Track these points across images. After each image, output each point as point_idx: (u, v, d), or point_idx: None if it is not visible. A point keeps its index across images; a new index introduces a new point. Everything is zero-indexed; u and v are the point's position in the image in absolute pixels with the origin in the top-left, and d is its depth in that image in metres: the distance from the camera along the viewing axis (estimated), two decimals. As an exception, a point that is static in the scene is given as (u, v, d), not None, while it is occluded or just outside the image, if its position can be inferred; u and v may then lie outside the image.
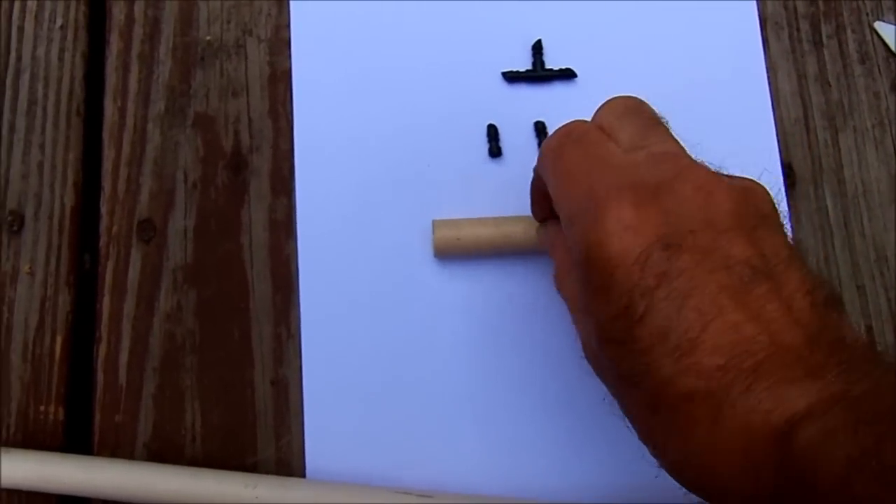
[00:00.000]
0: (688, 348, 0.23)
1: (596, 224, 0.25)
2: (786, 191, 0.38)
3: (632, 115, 0.29)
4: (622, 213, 0.25)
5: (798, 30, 0.40)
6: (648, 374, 0.24)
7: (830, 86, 0.39)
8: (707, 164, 0.27)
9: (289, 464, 0.35)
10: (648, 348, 0.24)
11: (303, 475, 0.35)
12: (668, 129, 0.29)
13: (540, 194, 0.32)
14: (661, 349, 0.23)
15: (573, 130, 0.29)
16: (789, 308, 0.23)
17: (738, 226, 0.25)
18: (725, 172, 0.27)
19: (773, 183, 0.37)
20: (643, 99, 0.30)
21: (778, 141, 0.39)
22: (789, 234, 0.26)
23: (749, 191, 0.26)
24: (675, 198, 0.25)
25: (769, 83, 0.39)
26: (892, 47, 0.40)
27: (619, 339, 0.24)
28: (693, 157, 0.27)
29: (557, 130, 0.30)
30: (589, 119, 0.30)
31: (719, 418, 0.23)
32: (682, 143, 0.29)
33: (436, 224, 0.36)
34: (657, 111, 0.30)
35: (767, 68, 0.39)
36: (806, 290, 0.24)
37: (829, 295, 0.24)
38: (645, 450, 0.25)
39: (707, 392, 0.23)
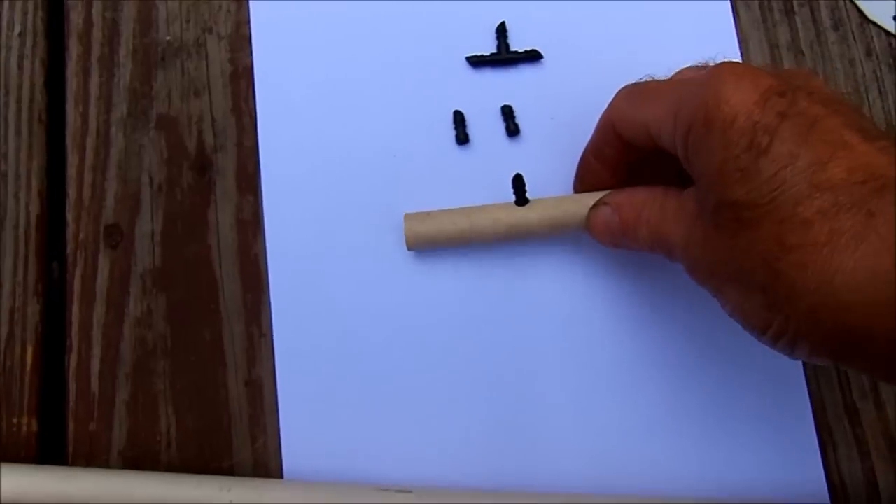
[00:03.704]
0: (819, 167, 0.23)
1: (713, 85, 0.26)
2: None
3: None
4: (736, 69, 0.26)
5: (768, -2, 0.39)
6: (778, 200, 0.24)
7: (804, 54, 0.38)
8: None
9: (265, 465, 0.35)
10: (776, 173, 0.24)
11: (280, 476, 0.34)
12: None
13: (602, 157, 0.33)
14: (791, 170, 0.24)
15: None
16: None
17: (841, 97, 0.26)
18: None
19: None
20: None
21: (752, 113, 0.38)
22: None
23: None
24: (779, 70, 0.27)
25: (741, 54, 0.38)
26: (866, 13, 0.39)
27: (744, 176, 0.24)
28: None
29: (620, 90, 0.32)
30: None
31: (867, 230, 0.22)
32: None
33: (406, 217, 0.35)
34: None
35: (739, 39, 0.39)
36: None
37: None
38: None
39: (850, 204, 0.23)
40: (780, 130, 0.24)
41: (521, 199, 0.34)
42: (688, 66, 0.32)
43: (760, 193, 0.24)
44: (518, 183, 0.33)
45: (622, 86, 0.32)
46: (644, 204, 0.31)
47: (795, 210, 0.23)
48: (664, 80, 0.31)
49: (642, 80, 0.32)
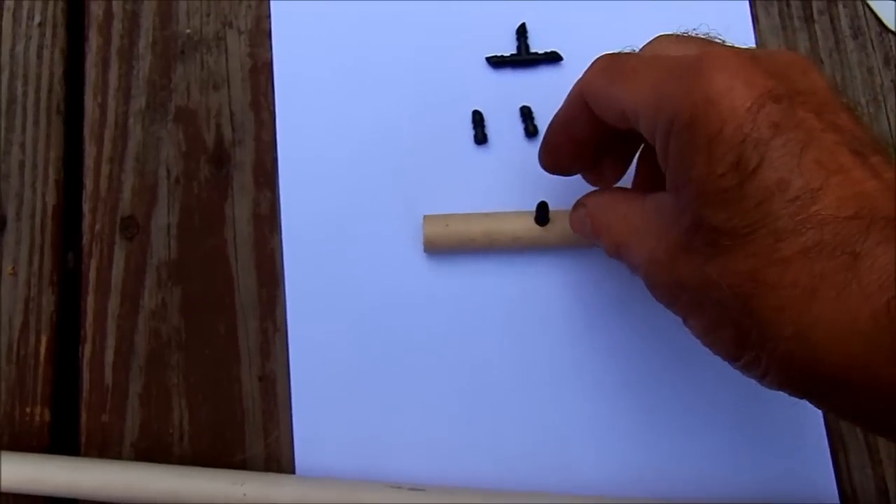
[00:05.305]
0: (809, 199, 0.21)
1: (701, 80, 0.23)
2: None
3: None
4: (729, 63, 0.23)
5: (788, 5, 0.39)
6: (758, 232, 0.22)
7: (822, 62, 0.39)
8: None
9: (278, 460, 0.35)
10: (761, 202, 0.22)
11: (292, 471, 0.34)
12: None
13: (571, 130, 0.30)
14: (778, 201, 0.21)
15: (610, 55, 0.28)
16: None
17: (836, 99, 0.24)
18: None
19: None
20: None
21: (770, 120, 0.38)
22: None
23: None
24: (775, 62, 0.24)
25: (760, 61, 0.38)
26: (885, 22, 0.39)
27: (726, 199, 0.22)
28: None
29: (595, 61, 0.29)
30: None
31: (849, 275, 0.21)
32: None
33: (426, 220, 0.35)
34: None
35: (758, 45, 0.39)
36: None
37: None
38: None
39: (834, 244, 0.21)
40: (771, 149, 0.22)
41: (543, 222, 0.34)
42: (665, 34, 0.29)
43: (742, 223, 0.22)
44: (542, 210, 0.34)
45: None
46: (606, 211, 0.29)
47: (776, 246, 0.21)
48: (644, 57, 0.28)
49: (621, 52, 0.29)
